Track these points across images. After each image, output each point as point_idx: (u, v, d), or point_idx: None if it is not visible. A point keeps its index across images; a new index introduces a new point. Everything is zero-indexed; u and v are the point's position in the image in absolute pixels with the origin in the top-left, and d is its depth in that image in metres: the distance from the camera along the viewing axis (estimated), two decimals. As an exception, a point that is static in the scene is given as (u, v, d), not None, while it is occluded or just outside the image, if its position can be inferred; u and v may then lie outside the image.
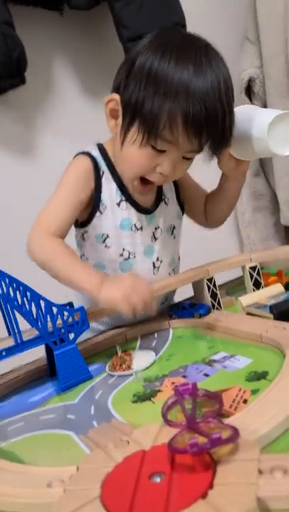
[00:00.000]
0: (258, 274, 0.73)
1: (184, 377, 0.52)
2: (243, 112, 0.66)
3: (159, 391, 0.50)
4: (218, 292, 0.72)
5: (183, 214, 0.81)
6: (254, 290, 0.72)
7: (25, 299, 0.57)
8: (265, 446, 0.36)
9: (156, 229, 0.74)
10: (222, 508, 0.28)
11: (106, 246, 0.71)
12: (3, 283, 0.56)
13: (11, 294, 0.56)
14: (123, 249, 0.72)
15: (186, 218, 0.97)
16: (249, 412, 0.39)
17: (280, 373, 0.45)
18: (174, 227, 0.78)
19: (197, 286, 0.73)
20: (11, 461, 0.41)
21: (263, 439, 0.36)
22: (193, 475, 0.32)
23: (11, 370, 0.65)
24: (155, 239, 0.74)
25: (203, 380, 0.50)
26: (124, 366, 0.57)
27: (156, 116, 0.61)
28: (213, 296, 0.71)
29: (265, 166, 1.29)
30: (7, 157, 1.02)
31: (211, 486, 0.30)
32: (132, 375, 0.56)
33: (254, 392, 0.45)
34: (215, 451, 0.33)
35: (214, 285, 0.72)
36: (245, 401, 0.43)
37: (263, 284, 0.73)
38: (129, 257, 0.72)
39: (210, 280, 0.71)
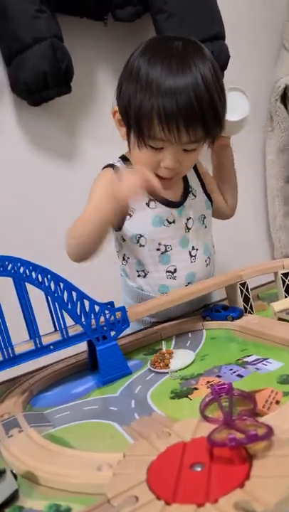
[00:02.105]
0: (290, 280, 0.75)
1: (219, 376, 0.56)
2: None
3: (195, 389, 0.54)
4: (250, 297, 0.74)
5: (212, 204, 0.85)
6: (286, 296, 0.74)
7: (70, 297, 0.61)
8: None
9: (188, 220, 0.79)
10: (258, 496, 0.31)
11: (140, 245, 0.77)
12: (52, 282, 0.60)
13: (59, 293, 0.61)
14: (159, 244, 0.77)
15: (214, 221, 1.00)
16: (282, 412, 0.42)
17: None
18: (204, 217, 0.83)
19: (230, 290, 0.76)
20: (61, 446, 0.46)
21: (295, 438, 0.39)
22: (231, 467, 0.35)
23: (54, 363, 0.70)
24: (188, 229, 0.79)
25: (237, 380, 0.53)
26: (162, 364, 0.61)
27: (142, 119, 0.67)
28: (246, 300, 0.74)
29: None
30: (51, 163, 1.07)
31: (247, 477, 0.34)
32: (167, 373, 0.60)
33: (286, 394, 0.48)
34: (251, 446, 0.36)
35: (247, 289, 0.74)
36: (277, 402, 0.46)
37: (294, 290, 0.75)
38: (166, 251, 0.77)
39: (243, 285, 0.74)
